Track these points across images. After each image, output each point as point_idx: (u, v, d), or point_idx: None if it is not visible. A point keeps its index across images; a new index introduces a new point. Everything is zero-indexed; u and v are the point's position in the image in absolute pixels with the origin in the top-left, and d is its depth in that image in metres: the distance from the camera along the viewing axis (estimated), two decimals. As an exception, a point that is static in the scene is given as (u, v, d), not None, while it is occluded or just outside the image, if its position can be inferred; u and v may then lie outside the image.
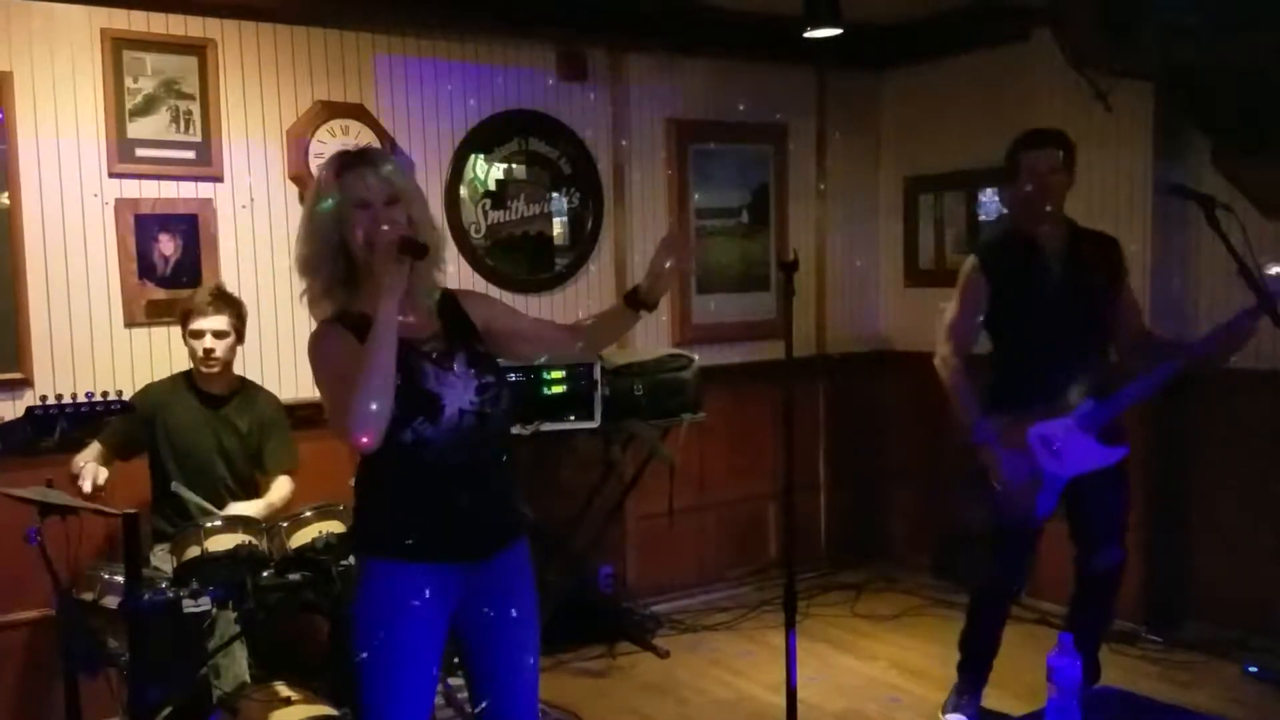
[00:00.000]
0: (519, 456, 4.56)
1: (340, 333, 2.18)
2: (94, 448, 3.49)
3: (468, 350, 2.25)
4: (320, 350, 2.20)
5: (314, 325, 2.27)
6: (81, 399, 2.71)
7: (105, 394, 2.76)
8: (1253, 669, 4.06)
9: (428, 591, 2.21)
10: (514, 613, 2.32)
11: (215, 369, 3.54)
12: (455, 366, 2.22)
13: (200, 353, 3.50)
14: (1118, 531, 3.45)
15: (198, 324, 3.50)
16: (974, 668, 3.64)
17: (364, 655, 2.23)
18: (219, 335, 3.52)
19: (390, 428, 2.12)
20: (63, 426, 2.68)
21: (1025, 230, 3.37)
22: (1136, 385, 3.24)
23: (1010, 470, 3.26)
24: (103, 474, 3.35)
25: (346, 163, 2.23)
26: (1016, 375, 3.36)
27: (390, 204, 2.18)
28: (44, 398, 2.73)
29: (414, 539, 2.21)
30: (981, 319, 3.39)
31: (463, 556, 2.25)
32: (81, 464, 3.38)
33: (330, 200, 2.18)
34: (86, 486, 3.28)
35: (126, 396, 3.56)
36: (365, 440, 2.06)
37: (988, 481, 3.32)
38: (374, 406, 2.04)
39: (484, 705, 2.35)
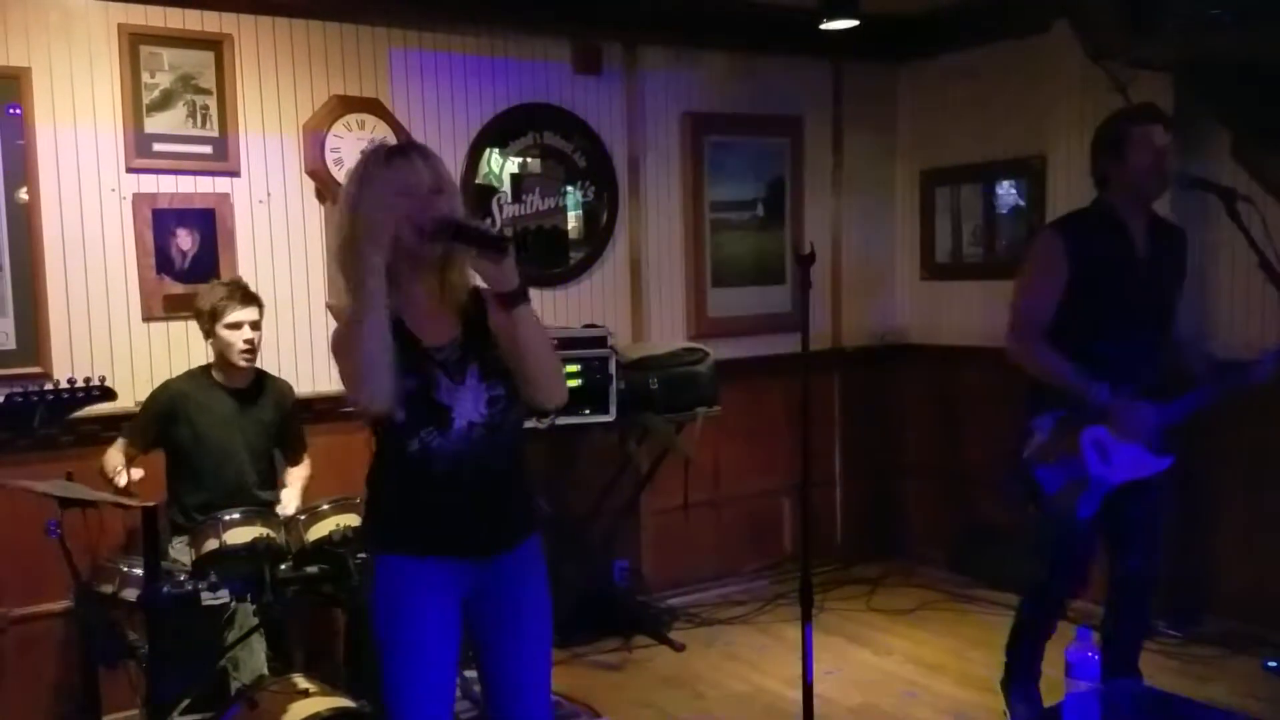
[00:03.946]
0: (535, 451, 4.57)
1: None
2: (120, 444, 3.53)
3: (482, 360, 2.23)
4: (337, 338, 2.21)
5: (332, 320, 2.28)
6: (63, 385, 2.68)
7: (87, 379, 2.72)
8: (1271, 664, 4.04)
9: (436, 585, 2.23)
10: (524, 607, 2.32)
11: (252, 360, 3.57)
12: (468, 379, 2.21)
13: (240, 344, 3.52)
14: (1157, 538, 3.33)
15: (235, 316, 3.51)
16: (1019, 679, 3.46)
17: (381, 648, 2.25)
18: (255, 326, 3.55)
19: (398, 436, 2.17)
20: (42, 414, 2.64)
21: (1114, 210, 3.20)
22: (1194, 397, 3.15)
23: (1139, 422, 3.09)
24: (137, 473, 3.39)
25: (393, 151, 2.24)
26: (1080, 362, 3.12)
27: (435, 193, 2.19)
28: (26, 385, 2.69)
29: (420, 537, 2.23)
30: (1059, 296, 3.15)
31: (469, 555, 2.26)
32: (115, 465, 3.43)
33: (375, 186, 2.17)
34: (121, 481, 3.34)
35: (144, 393, 3.62)
36: (373, 401, 2.10)
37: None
38: (380, 385, 2.07)
39: (497, 699, 2.36)
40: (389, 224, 2.14)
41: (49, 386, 2.67)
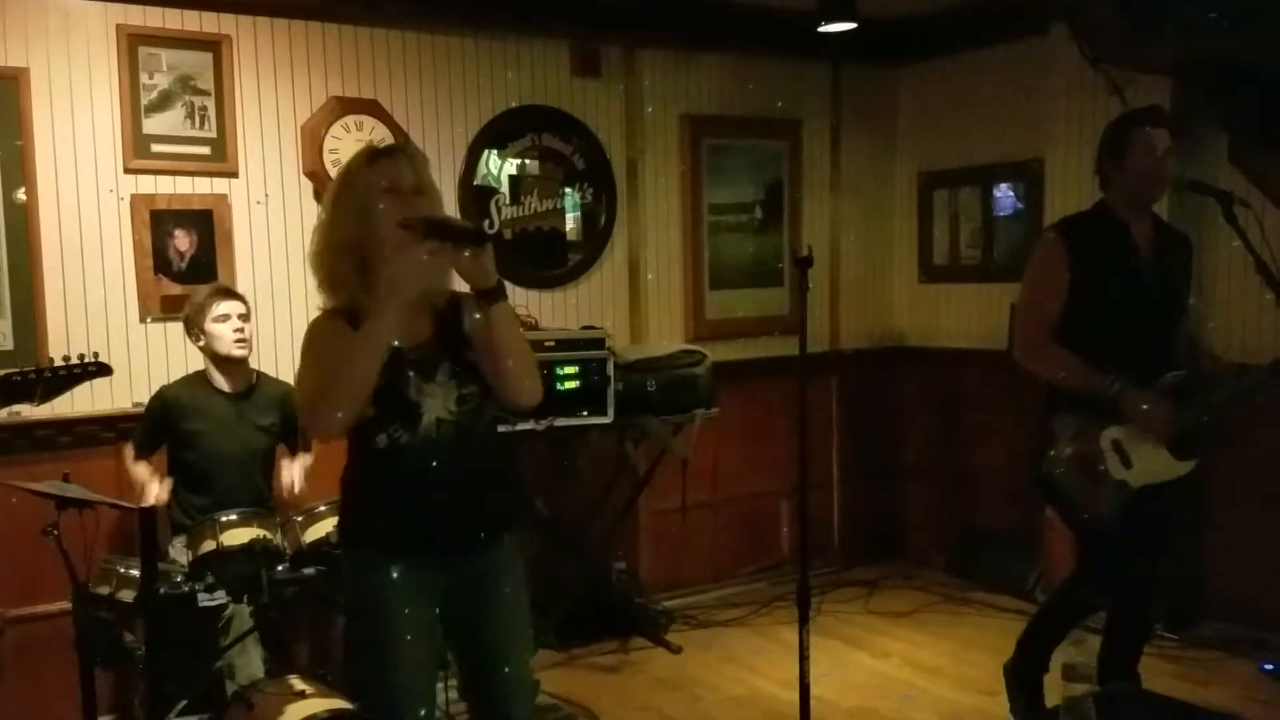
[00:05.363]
0: (532, 452, 4.57)
1: (339, 326, 2.19)
2: (129, 451, 3.57)
3: (453, 359, 2.24)
4: (318, 342, 2.22)
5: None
6: (59, 363, 2.72)
7: (81, 356, 2.76)
8: (1269, 667, 4.04)
9: (409, 585, 2.22)
10: (501, 606, 2.32)
11: (246, 351, 3.57)
12: (438, 376, 2.22)
13: (231, 335, 3.52)
14: (1167, 541, 3.30)
15: (221, 309, 3.52)
16: (1027, 671, 3.41)
17: (357, 648, 2.28)
18: (243, 317, 3.56)
19: (367, 431, 2.19)
20: (42, 391, 2.69)
21: (1115, 211, 3.20)
22: (1217, 396, 3.13)
23: (1157, 417, 3.05)
24: (164, 493, 3.44)
25: (378, 152, 2.29)
26: (1088, 358, 3.10)
27: (417, 194, 2.21)
28: (21, 365, 2.74)
29: (390, 535, 2.24)
30: (1064, 298, 3.14)
31: (441, 553, 2.26)
32: (143, 479, 3.49)
33: (359, 186, 2.20)
34: (150, 499, 3.39)
35: (142, 392, 3.63)
36: (323, 424, 2.15)
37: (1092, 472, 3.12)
38: (342, 411, 2.10)
39: (477, 700, 2.37)
40: (374, 222, 2.16)
41: (45, 365, 2.73)
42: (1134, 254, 3.17)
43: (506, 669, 2.33)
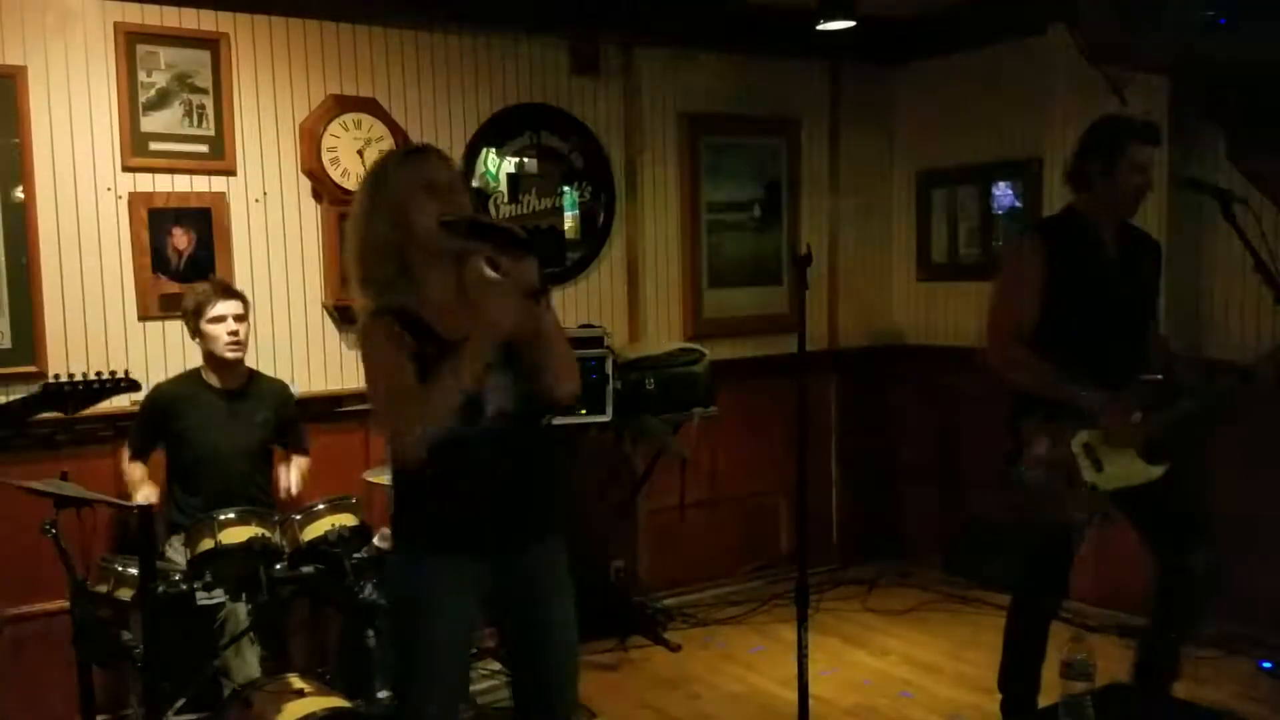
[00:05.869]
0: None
1: (396, 330, 2.18)
2: (126, 451, 3.60)
3: (507, 352, 2.23)
4: (377, 346, 2.19)
5: (355, 315, 2.28)
6: (92, 377, 2.84)
7: (114, 372, 2.89)
8: (1267, 665, 4.04)
9: (455, 584, 2.23)
10: (549, 605, 2.33)
11: (240, 353, 3.58)
12: (494, 369, 2.21)
13: (225, 337, 3.53)
14: (1199, 529, 3.22)
15: (217, 310, 3.53)
16: (1018, 699, 3.39)
17: (397, 643, 2.30)
18: (239, 319, 3.56)
19: None
20: (75, 401, 2.81)
21: (1085, 215, 3.21)
22: (1187, 401, 3.12)
23: (1128, 424, 3.06)
24: (154, 494, 3.50)
25: (411, 150, 2.32)
26: (1059, 364, 3.11)
27: (453, 192, 2.23)
28: (56, 376, 2.87)
29: (445, 530, 2.24)
30: (1038, 301, 3.14)
31: (493, 549, 2.26)
32: (135, 479, 3.54)
33: (395, 184, 2.20)
34: (139, 498, 3.45)
35: (139, 390, 3.63)
36: (409, 450, 2.12)
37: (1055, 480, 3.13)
38: (432, 427, 2.09)
39: (528, 694, 2.39)
40: (413, 220, 2.17)
41: (79, 379, 2.84)
42: (1105, 259, 3.19)
43: (556, 657, 2.35)
